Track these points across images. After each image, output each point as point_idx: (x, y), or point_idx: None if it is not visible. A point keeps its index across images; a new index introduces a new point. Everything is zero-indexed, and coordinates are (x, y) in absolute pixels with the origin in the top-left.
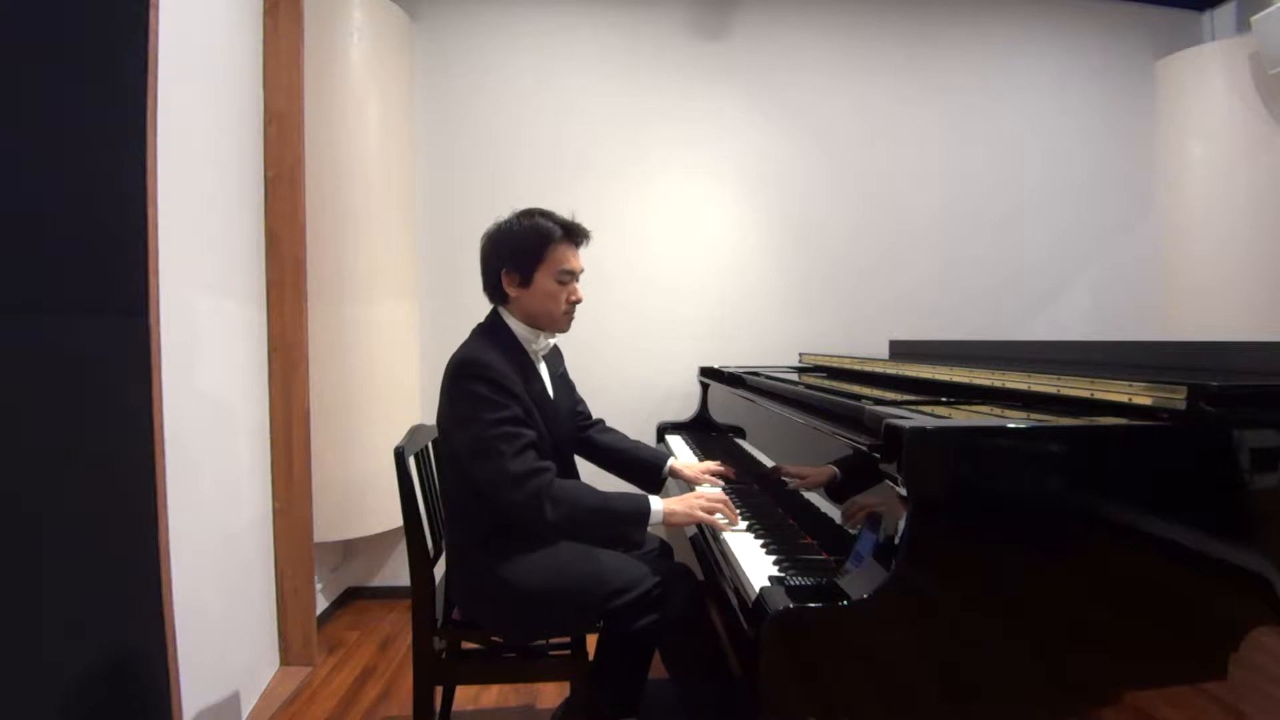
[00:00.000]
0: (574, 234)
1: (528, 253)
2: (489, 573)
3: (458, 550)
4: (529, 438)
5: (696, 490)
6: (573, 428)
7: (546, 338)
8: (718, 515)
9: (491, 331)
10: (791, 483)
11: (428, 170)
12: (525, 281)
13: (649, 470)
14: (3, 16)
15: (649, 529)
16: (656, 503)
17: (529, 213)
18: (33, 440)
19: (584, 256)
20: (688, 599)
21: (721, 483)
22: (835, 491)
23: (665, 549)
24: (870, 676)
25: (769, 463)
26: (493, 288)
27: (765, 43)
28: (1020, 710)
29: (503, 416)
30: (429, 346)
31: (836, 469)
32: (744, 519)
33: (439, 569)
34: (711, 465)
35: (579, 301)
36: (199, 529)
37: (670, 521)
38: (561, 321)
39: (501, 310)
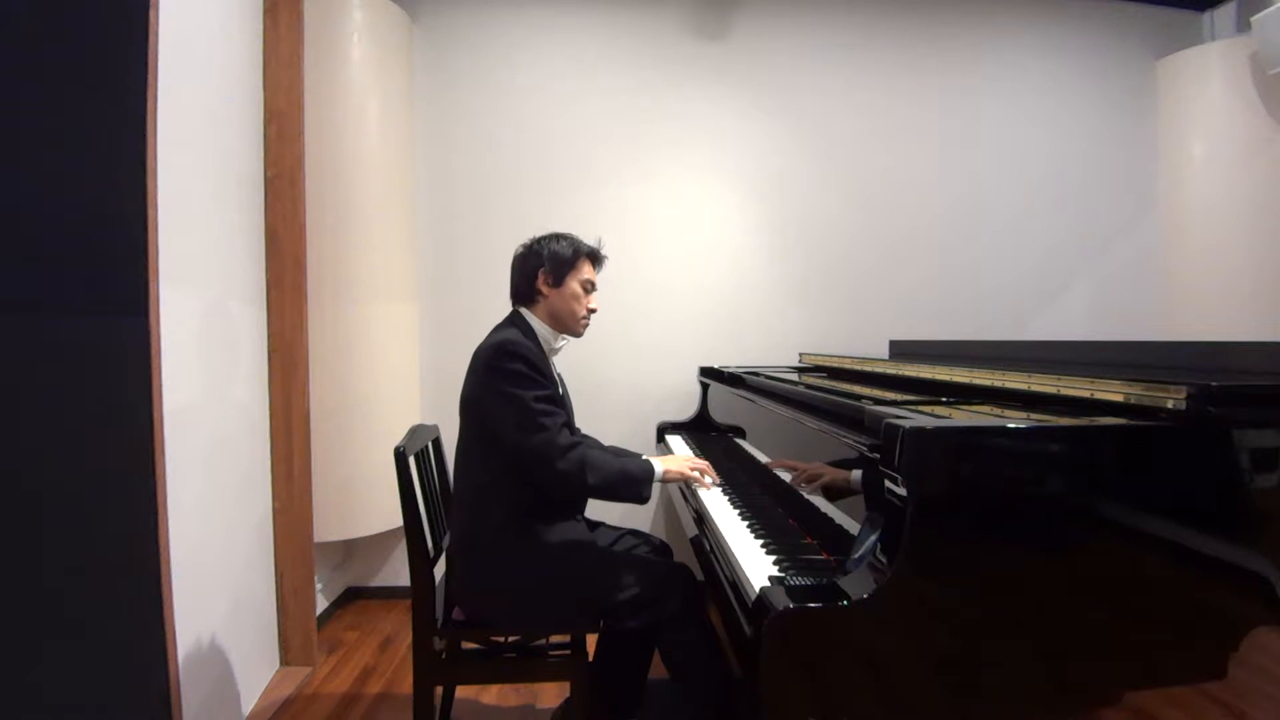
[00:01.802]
0: (597, 256)
1: (564, 259)
2: (497, 561)
3: (465, 538)
4: (564, 416)
5: (682, 456)
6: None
7: (561, 340)
8: (706, 478)
9: (517, 325)
10: (787, 474)
11: (428, 170)
12: (558, 282)
13: None
14: (2, 17)
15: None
16: (657, 464)
17: (564, 235)
18: (33, 440)
19: None
20: (687, 599)
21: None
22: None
23: (665, 549)
24: (870, 676)
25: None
26: (526, 286)
27: (766, 43)
28: (1020, 710)
29: (543, 395)
30: (429, 346)
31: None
32: (744, 519)
33: (439, 569)
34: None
35: (595, 311)
36: (199, 529)
37: (666, 478)
38: (579, 325)
39: (524, 311)
